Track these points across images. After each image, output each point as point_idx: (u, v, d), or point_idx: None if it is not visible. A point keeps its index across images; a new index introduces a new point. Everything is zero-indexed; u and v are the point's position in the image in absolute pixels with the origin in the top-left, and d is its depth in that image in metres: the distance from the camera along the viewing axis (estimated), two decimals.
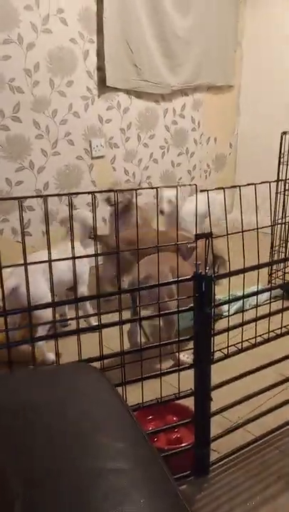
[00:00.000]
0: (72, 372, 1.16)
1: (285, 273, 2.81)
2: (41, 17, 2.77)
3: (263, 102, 3.96)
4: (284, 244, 2.78)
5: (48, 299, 1.95)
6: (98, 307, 1.30)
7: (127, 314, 1.76)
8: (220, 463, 1.57)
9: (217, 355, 1.47)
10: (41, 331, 1.94)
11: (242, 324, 1.54)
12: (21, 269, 1.18)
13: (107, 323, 1.31)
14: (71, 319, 1.54)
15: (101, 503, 0.75)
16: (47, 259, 1.20)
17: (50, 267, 1.21)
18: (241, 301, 1.68)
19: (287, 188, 2.68)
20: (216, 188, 1.44)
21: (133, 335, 2.15)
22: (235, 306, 2.33)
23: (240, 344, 1.54)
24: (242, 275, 1.47)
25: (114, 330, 1.33)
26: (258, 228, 1.48)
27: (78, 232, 2.36)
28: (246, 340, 1.56)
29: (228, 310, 2.00)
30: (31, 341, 1.26)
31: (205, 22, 3.59)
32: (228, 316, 1.55)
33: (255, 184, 1.42)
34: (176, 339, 1.46)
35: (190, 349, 1.47)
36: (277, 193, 2.68)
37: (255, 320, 1.59)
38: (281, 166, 2.72)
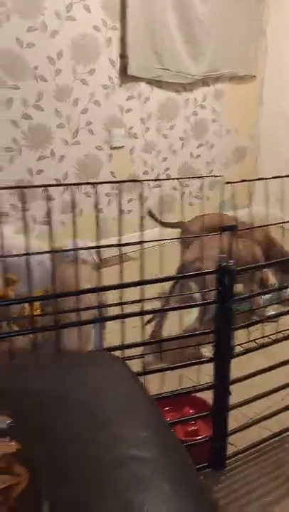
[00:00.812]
0: (95, 361, 1.17)
1: None
2: (65, 4, 2.75)
3: (287, 94, 3.88)
4: None
5: None
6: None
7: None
8: (236, 457, 1.57)
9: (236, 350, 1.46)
10: None
11: (262, 320, 1.53)
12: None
13: (130, 313, 1.32)
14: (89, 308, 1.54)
15: (124, 490, 0.76)
16: None
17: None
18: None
19: None
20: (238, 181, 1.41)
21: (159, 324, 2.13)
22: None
23: (259, 340, 1.52)
24: None
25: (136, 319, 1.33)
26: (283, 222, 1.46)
27: None
28: (266, 336, 1.55)
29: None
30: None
31: (228, 8, 3.50)
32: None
33: (282, 177, 1.39)
34: (197, 332, 1.45)
35: (211, 343, 1.46)
36: None
37: (275, 316, 1.57)
38: None
